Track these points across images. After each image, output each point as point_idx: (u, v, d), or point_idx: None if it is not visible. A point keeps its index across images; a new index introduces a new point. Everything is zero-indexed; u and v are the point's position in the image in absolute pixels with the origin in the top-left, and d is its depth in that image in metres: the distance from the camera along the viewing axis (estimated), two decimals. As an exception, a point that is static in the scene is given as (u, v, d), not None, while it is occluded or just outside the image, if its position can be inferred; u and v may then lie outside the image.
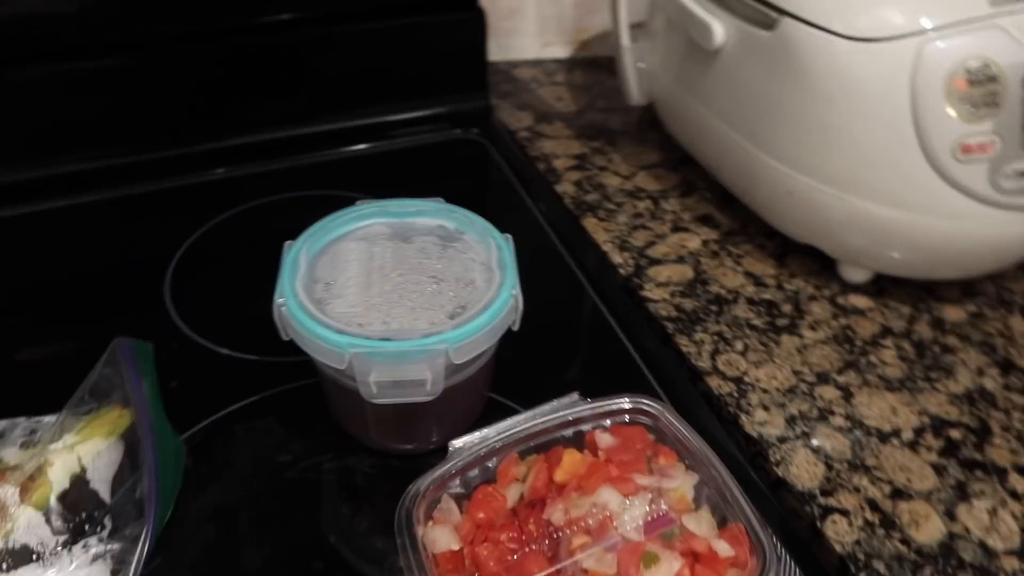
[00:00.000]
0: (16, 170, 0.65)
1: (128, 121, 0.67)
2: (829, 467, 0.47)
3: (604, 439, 0.42)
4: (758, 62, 0.56)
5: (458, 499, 0.40)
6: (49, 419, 0.43)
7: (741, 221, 0.65)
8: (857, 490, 0.46)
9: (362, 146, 0.74)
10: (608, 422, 0.43)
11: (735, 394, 0.51)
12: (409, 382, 0.40)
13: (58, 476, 0.38)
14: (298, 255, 0.43)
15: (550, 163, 0.72)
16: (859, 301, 0.58)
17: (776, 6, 0.54)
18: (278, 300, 0.41)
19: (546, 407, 0.43)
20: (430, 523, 0.39)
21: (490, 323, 0.41)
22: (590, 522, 0.39)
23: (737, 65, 0.58)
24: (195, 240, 0.62)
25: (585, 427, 0.43)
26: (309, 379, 0.48)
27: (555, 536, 0.38)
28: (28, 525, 0.37)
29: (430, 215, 0.47)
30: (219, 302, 0.57)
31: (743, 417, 0.50)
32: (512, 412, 0.43)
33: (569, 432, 0.43)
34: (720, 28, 0.58)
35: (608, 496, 0.39)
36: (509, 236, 0.46)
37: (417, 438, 0.46)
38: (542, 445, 0.42)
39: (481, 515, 0.40)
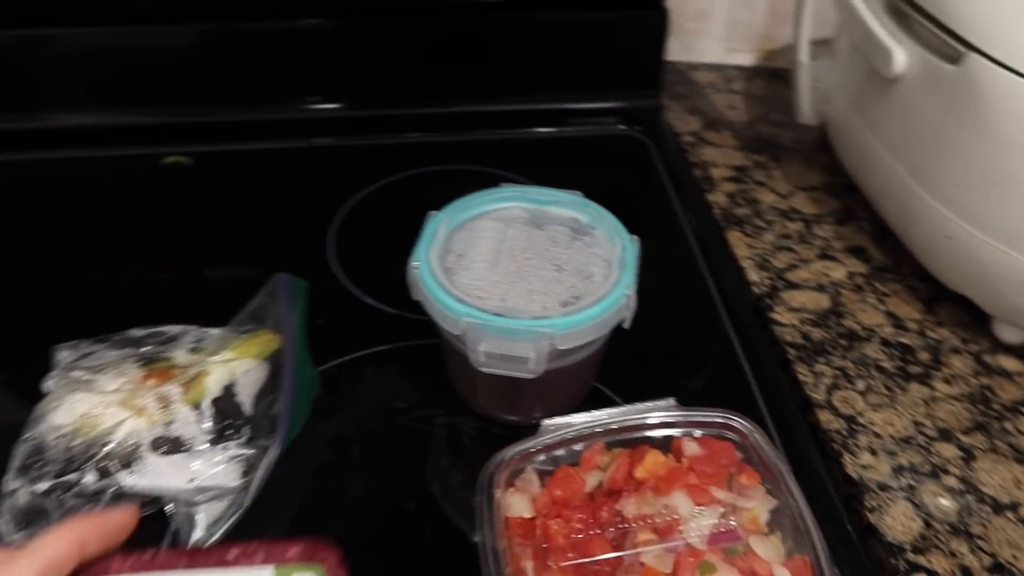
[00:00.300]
0: (234, 111, 0.74)
1: (339, 79, 0.75)
2: (928, 525, 0.45)
3: (690, 447, 0.44)
4: (937, 96, 0.54)
5: (540, 474, 0.43)
6: (215, 332, 0.50)
7: (895, 258, 0.62)
8: (953, 555, 0.44)
9: (531, 129, 0.78)
10: (698, 432, 0.44)
11: (844, 432, 0.50)
12: (514, 358, 0.43)
13: (213, 384, 0.45)
14: (438, 225, 0.48)
15: (707, 171, 0.72)
16: (1008, 363, 0.55)
17: (965, 40, 0.51)
18: (413, 263, 0.45)
19: (641, 406, 0.44)
20: (510, 489, 0.42)
21: (598, 317, 0.43)
22: (658, 521, 0.40)
23: (914, 96, 0.56)
24: (366, 195, 0.68)
25: (674, 433, 0.44)
26: (433, 340, 0.52)
27: (623, 527, 0.40)
28: (184, 420, 0.44)
29: (566, 206, 0.50)
30: (373, 255, 0.62)
31: (847, 456, 0.49)
32: (610, 404, 0.45)
33: (658, 434, 0.44)
34: (902, 55, 0.55)
35: (680, 501, 0.41)
36: (636, 238, 0.48)
37: (520, 411, 0.49)
38: (629, 441, 0.44)
39: (559, 492, 0.42)
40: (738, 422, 0.44)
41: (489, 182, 0.52)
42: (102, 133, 0.73)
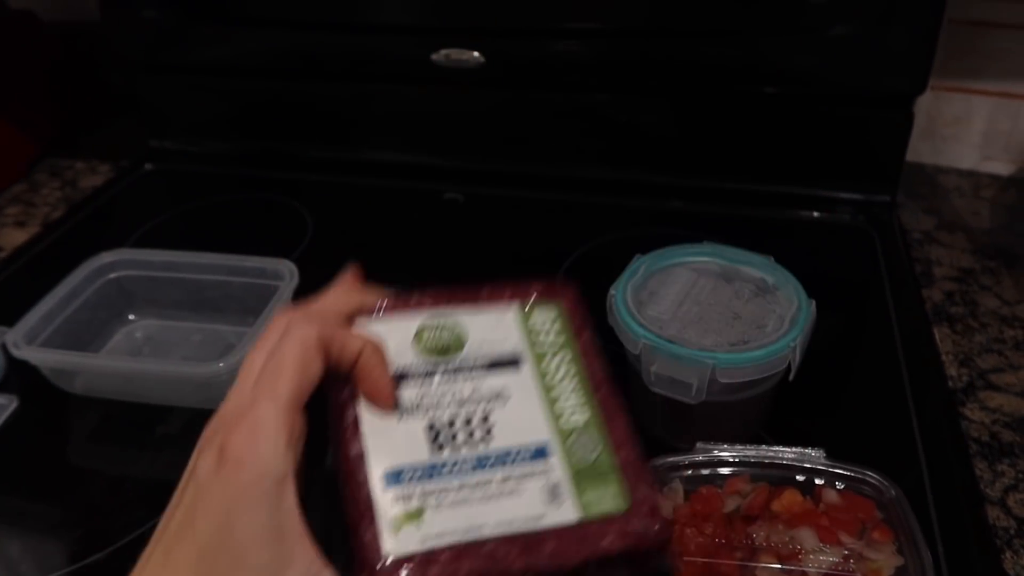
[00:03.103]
0: (504, 162, 0.90)
1: (598, 144, 0.87)
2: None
3: (830, 496, 0.47)
4: None
5: (685, 488, 0.49)
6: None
7: (1119, 381, 0.59)
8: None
9: (764, 209, 0.83)
10: (841, 485, 0.48)
11: (1012, 531, 0.50)
12: (680, 382, 0.50)
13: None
14: (640, 266, 0.56)
15: (929, 267, 0.73)
16: None
17: None
18: (611, 292, 0.54)
19: (791, 449, 0.49)
20: (657, 494, 0.49)
21: (759, 360, 0.49)
22: (782, 549, 0.44)
23: None
24: (599, 243, 0.79)
25: (818, 480, 0.48)
26: (619, 368, 0.60)
27: (751, 549, 0.45)
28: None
29: (757, 267, 0.56)
30: (592, 288, 0.72)
31: (1008, 554, 0.49)
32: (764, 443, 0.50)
33: (802, 478, 0.48)
34: None
35: (806, 535, 0.45)
36: (813, 301, 0.53)
37: (686, 437, 0.55)
38: (774, 478, 0.49)
39: (699, 507, 0.48)
40: (882, 482, 0.47)
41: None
42: (402, 168, 0.92)
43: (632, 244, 0.59)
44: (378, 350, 0.33)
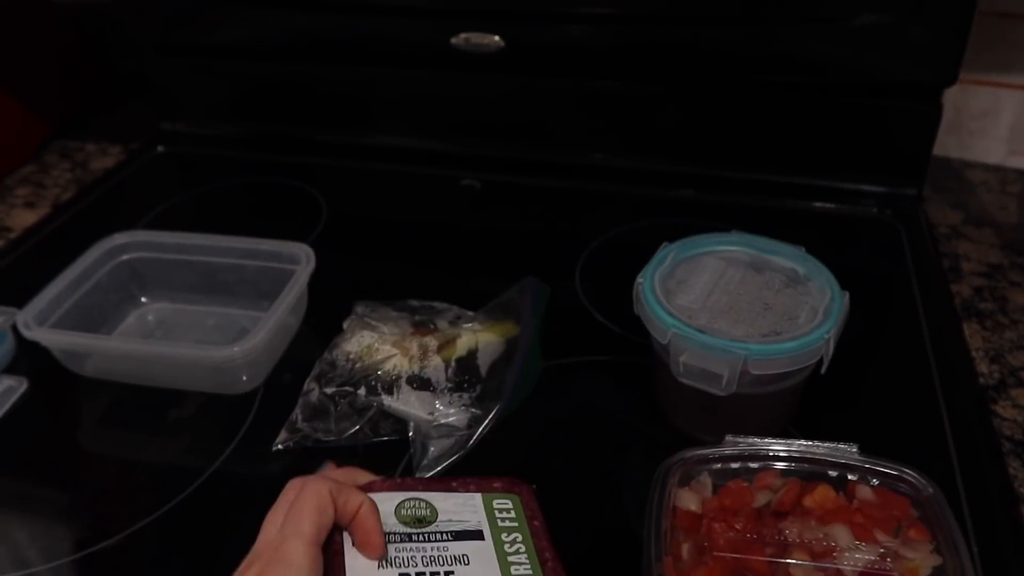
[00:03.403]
0: (521, 149, 0.88)
1: (617, 132, 0.86)
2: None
3: (864, 492, 0.46)
4: None
5: (714, 481, 0.48)
6: (469, 314, 0.62)
7: None
8: None
9: (787, 200, 0.82)
10: (876, 481, 0.46)
11: (1048, 532, 0.49)
12: (710, 374, 0.49)
13: (462, 346, 0.56)
14: (668, 254, 0.55)
15: (957, 262, 0.71)
16: None
17: None
18: (639, 280, 0.53)
19: (824, 444, 0.47)
20: (684, 488, 0.47)
21: (792, 352, 0.47)
22: (815, 546, 0.43)
23: None
24: (620, 232, 0.78)
25: (851, 476, 0.47)
26: (648, 360, 0.59)
27: (782, 545, 0.44)
28: (435, 368, 0.55)
29: (787, 257, 0.55)
30: (611, 283, 0.70)
31: (1045, 555, 0.47)
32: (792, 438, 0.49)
33: (834, 473, 0.47)
34: None
35: (840, 532, 0.43)
36: (847, 293, 0.51)
37: (711, 431, 0.54)
38: (805, 473, 0.47)
39: (728, 501, 0.47)
40: (919, 480, 0.45)
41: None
42: (419, 154, 0.90)
43: (652, 234, 0.58)
44: (374, 506, 0.41)
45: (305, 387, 0.56)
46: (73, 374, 0.63)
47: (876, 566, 0.42)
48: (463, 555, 0.42)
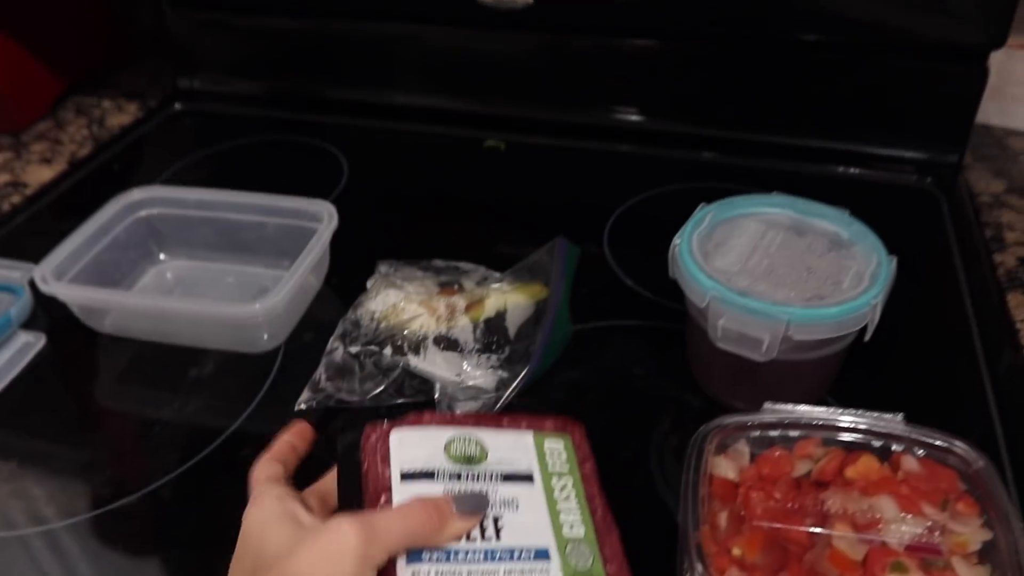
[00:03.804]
0: (548, 110, 0.86)
1: (649, 94, 0.83)
2: None
3: (909, 463, 0.44)
4: None
5: (752, 449, 0.46)
6: (497, 275, 0.60)
7: None
8: None
9: (822, 166, 0.79)
10: (921, 452, 0.44)
11: (1097, 508, 0.47)
12: (749, 338, 0.47)
13: (490, 307, 0.54)
14: (706, 215, 0.53)
15: (1000, 232, 0.69)
16: None
17: None
18: (675, 241, 0.51)
19: (868, 413, 0.46)
20: (721, 455, 0.46)
21: (837, 317, 0.45)
22: (858, 518, 0.41)
23: None
24: (649, 196, 0.76)
25: (896, 447, 0.45)
26: (679, 326, 0.57)
27: (822, 515, 0.42)
28: (462, 328, 0.53)
29: (831, 220, 0.53)
30: (642, 248, 0.68)
31: (1094, 532, 0.45)
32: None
33: (878, 443, 0.45)
34: None
35: (886, 504, 0.42)
36: (895, 258, 0.49)
37: (746, 398, 0.52)
38: (848, 443, 0.45)
39: (766, 470, 0.45)
40: (968, 452, 0.43)
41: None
42: (442, 114, 0.88)
43: (683, 199, 0.56)
44: None
45: (329, 346, 0.54)
46: (91, 331, 0.62)
47: (923, 539, 0.40)
48: (512, 499, 0.40)
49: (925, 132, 0.77)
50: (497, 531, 0.39)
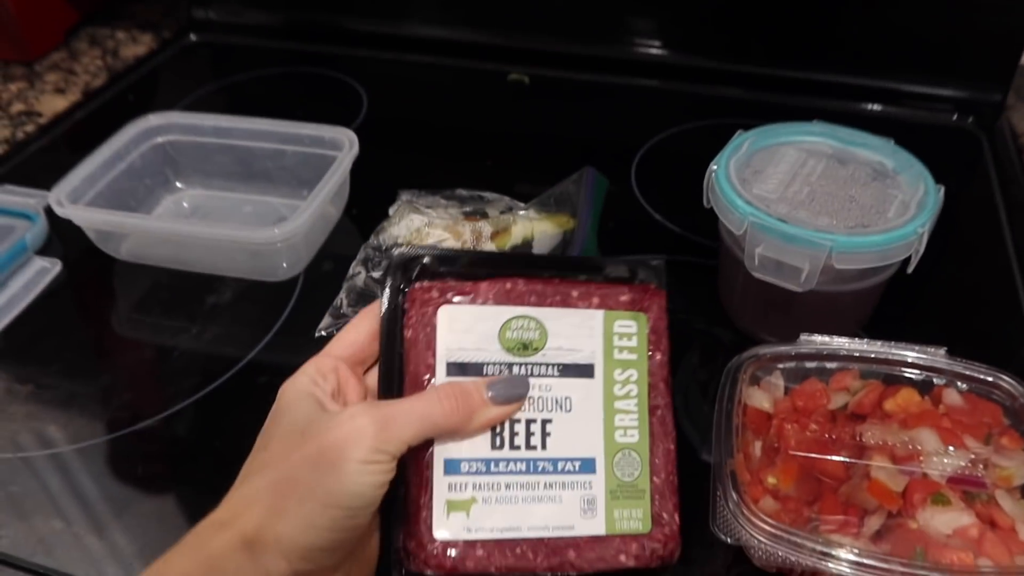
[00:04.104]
0: (575, 44, 0.83)
1: (676, 26, 0.80)
2: None
3: (952, 397, 0.43)
4: None
5: (787, 380, 0.45)
6: (522, 205, 0.58)
7: None
8: None
9: (857, 104, 0.76)
10: (964, 386, 0.43)
11: None
12: (788, 267, 0.45)
13: (516, 234, 0.53)
14: (744, 142, 0.51)
15: (1045, 173, 0.66)
16: None
17: None
18: (712, 167, 0.49)
19: (910, 347, 0.44)
20: (755, 387, 0.44)
21: (882, 245, 0.43)
22: (898, 450, 0.40)
23: None
24: (678, 132, 0.73)
25: (938, 380, 0.43)
26: (709, 261, 0.55)
27: (858, 447, 0.41)
28: (488, 256, 0.52)
29: (874, 150, 0.50)
30: (670, 183, 0.67)
31: None
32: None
33: (919, 376, 0.44)
34: None
35: (927, 437, 0.40)
36: (942, 187, 0.47)
37: (779, 331, 0.50)
38: (887, 376, 0.44)
39: (801, 403, 0.44)
40: (1015, 386, 0.42)
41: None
42: (465, 47, 0.85)
43: (712, 134, 0.54)
44: None
45: (350, 271, 0.53)
46: (108, 258, 0.61)
47: (966, 472, 0.39)
48: (566, 398, 0.37)
49: (967, 69, 0.74)
50: (544, 437, 0.37)
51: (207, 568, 0.30)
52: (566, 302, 0.38)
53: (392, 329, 0.37)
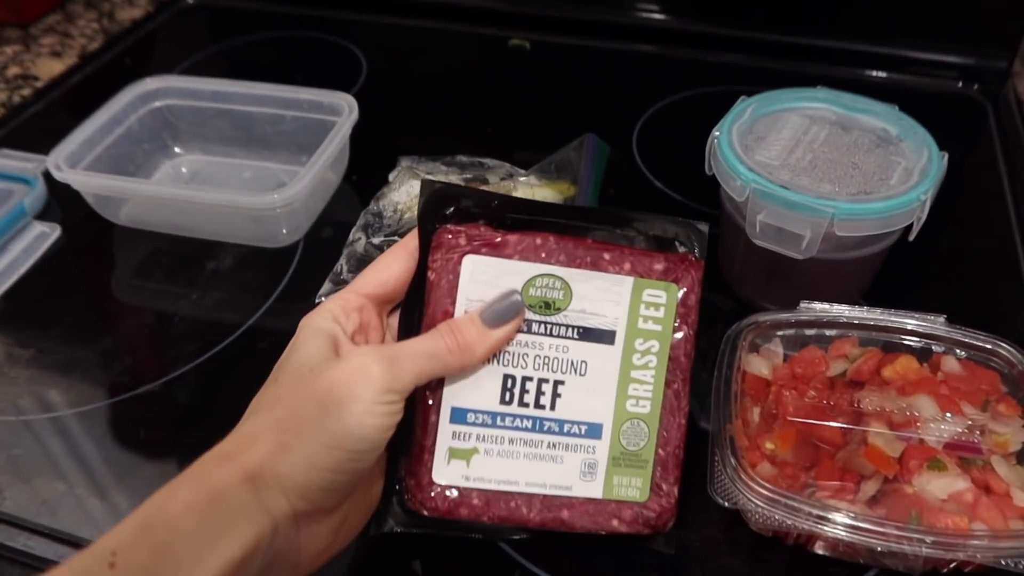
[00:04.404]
0: (574, 8, 0.81)
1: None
2: None
3: (950, 364, 0.43)
4: None
5: (786, 348, 0.45)
6: (522, 171, 0.58)
7: None
8: None
9: (858, 70, 0.75)
10: (962, 353, 0.43)
11: None
12: (789, 234, 0.45)
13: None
14: (747, 108, 0.50)
15: (1049, 141, 0.66)
16: None
17: None
18: (714, 133, 0.49)
19: (909, 315, 0.44)
20: (754, 354, 0.45)
21: (884, 213, 0.43)
22: (895, 416, 0.40)
23: None
24: (678, 99, 0.73)
25: (937, 347, 0.44)
26: (710, 228, 0.54)
27: (856, 414, 0.41)
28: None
29: (878, 116, 0.50)
30: (670, 146, 0.66)
31: None
32: (874, 308, 0.45)
33: (918, 343, 0.44)
34: None
35: (924, 403, 0.41)
36: (945, 154, 0.47)
37: (779, 299, 0.50)
38: (886, 344, 0.44)
39: (800, 370, 0.44)
40: (1014, 353, 0.42)
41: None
42: (464, 11, 0.84)
43: (714, 101, 0.53)
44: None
45: (351, 237, 0.53)
46: (107, 222, 0.61)
47: (963, 438, 0.39)
48: (582, 362, 0.37)
49: (972, 35, 0.73)
50: (554, 398, 0.37)
51: (209, 500, 0.30)
52: (596, 265, 0.37)
53: (419, 269, 0.37)
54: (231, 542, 0.29)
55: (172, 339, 0.54)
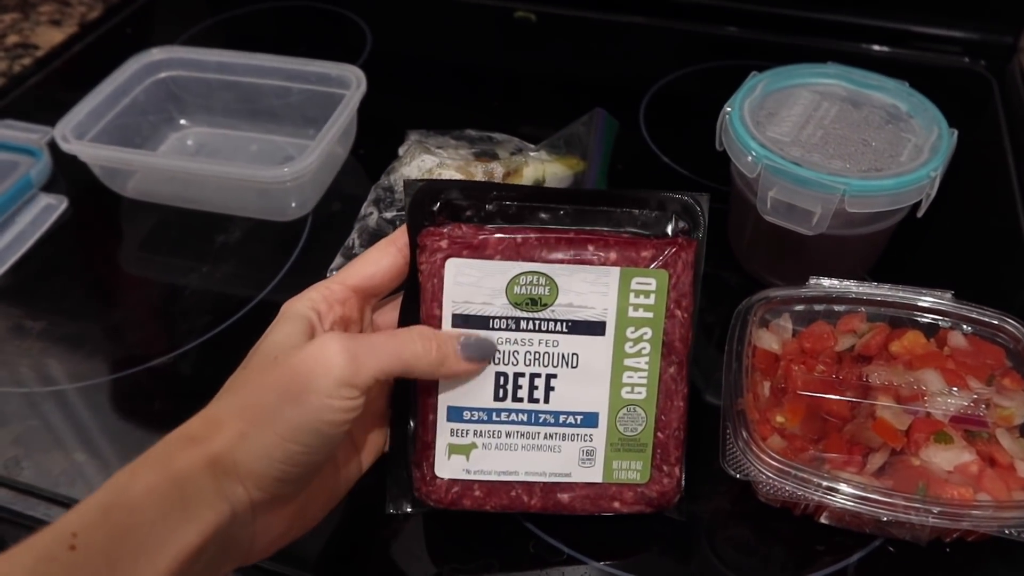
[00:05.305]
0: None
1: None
2: None
3: (956, 339, 0.43)
4: None
5: (795, 323, 0.45)
6: (532, 146, 0.58)
7: None
8: None
9: (861, 45, 0.75)
10: (968, 328, 0.44)
11: None
12: (800, 211, 0.45)
13: (528, 176, 0.53)
14: (758, 83, 0.50)
15: (1054, 118, 0.66)
16: None
17: None
18: (726, 109, 0.49)
19: (915, 289, 0.45)
20: (764, 329, 0.45)
21: (894, 189, 0.44)
22: (903, 391, 0.41)
23: None
24: (688, 72, 0.73)
25: (943, 323, 0.44)
26: (718, 205, 0.55)
27: (864, 388, 0.42)
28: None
29: (888, 93, 0.50)
30: (678, 121, 0.66)
31: None
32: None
33: (925, 319, 0.44)
34: None
35: (931, 378, 0.41)
36: (955, 131, 0.47)
37: (788, 275, 0.51)
38: (894, 319, 0.45)
39: (809, 345, 0.44)
40: (1019, 328, 0.43)
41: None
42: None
43: (722, 76, 0.53)
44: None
45: (362, 211, 0.53)
46: (114, 195, 0.61)
47: (968, 412, 0.40)
48: (573, 355, 0.37)
49: (979, 10, 0.73)
50: (548, 392, 0.37)
51: (171, 485, 0.30)
52: (580, 258, 0.36)
53: (411, 270, 0.37)
54: (191, 528, 0.30)
55: (182, 312, 0.54)
